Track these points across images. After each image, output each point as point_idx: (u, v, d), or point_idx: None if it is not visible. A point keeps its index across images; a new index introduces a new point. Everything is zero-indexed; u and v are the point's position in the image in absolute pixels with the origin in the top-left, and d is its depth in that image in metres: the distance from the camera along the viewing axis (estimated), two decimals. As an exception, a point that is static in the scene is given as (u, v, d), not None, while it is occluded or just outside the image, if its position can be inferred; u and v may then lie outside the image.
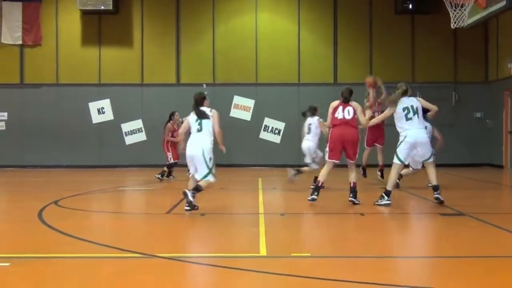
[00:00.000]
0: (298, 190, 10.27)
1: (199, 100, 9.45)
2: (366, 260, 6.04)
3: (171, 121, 14.98)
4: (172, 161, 14.91)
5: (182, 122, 14.13)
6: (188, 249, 6.55)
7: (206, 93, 9.95)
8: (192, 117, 9.41)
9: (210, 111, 9.40)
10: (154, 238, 7.29)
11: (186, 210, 9.04)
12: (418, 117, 9.67)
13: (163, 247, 6.63)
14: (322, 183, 10.01)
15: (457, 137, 19.44)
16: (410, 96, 9.92)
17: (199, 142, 9.20)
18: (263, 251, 6.25)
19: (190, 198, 9.06)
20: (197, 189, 9.19)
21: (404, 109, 9.63)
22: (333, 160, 9.94)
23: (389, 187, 9.71)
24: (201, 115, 9.33)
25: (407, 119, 9.59)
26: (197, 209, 9.06)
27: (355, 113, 9.93)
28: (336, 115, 9.98)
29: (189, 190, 9.14)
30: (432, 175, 9.73)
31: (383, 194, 9.70)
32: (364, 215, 8.91)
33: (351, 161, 9.95)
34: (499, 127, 18.96)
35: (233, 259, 5.96)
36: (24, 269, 5.58)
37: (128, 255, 6.17)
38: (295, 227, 8.06)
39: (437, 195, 9.63)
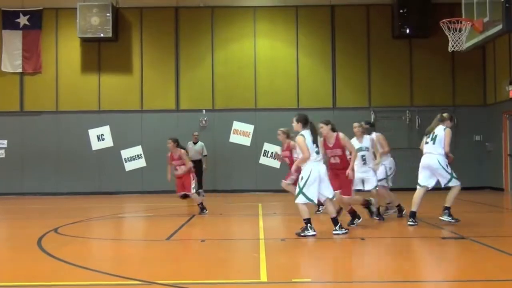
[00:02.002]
0: (298, 215, 10.20)
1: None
2: (367, 285, 5.99)
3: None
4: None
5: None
6: (189, 275, 6.49)
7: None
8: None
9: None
10: (154, 265, 7.24)
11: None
12: (434, 143, 10.18)
13: (163, 274, 6.58)
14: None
15: (457, 160, 19.23)
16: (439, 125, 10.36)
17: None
18: (263, 277, 6.20)
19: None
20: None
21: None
22: None
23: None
24: (314, 139, 9.61)
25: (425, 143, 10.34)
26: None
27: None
28: None
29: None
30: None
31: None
32: (365, 240, 8.88)
33: None
34: (498, 150, 18.97)
35: (233, 285, 5.91)
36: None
37: (128, 282, 6.13)
38: (296, 253, 8.02)
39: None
